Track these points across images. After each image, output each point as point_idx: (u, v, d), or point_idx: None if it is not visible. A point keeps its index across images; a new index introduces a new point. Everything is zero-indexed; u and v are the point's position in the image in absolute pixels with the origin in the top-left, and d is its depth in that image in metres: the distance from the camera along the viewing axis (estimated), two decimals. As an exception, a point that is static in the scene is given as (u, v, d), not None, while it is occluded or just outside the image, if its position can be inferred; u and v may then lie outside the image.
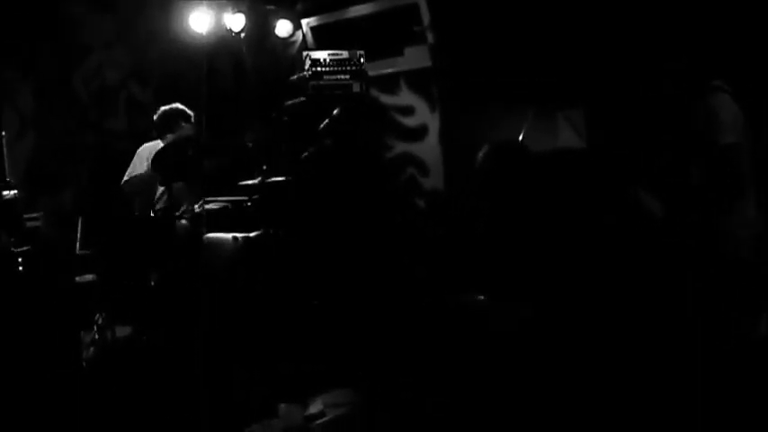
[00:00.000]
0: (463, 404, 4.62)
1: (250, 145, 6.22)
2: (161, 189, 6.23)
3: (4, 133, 5.83)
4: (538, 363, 4.59)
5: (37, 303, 5.39)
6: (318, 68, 7.02)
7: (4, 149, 5.78)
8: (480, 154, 5.18)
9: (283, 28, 8.11)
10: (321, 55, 7.06)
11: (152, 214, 6.18)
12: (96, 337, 5.82)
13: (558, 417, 4.35)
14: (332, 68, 7.05)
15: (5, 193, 5.65)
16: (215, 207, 6.19)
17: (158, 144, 6.25)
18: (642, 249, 4.76)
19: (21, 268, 5.41)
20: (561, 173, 5.43)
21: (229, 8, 7.81)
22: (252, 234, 5.94)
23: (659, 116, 4.93)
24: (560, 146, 6.31)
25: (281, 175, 6.23)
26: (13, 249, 5.47)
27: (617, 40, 5.90)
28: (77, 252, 6.33)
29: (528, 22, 6.49)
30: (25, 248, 5.55)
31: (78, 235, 6.41)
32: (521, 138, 5.81)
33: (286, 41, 8.37)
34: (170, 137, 6.34)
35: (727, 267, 4.24)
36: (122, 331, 5.95)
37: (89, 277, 6.08)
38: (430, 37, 7.37)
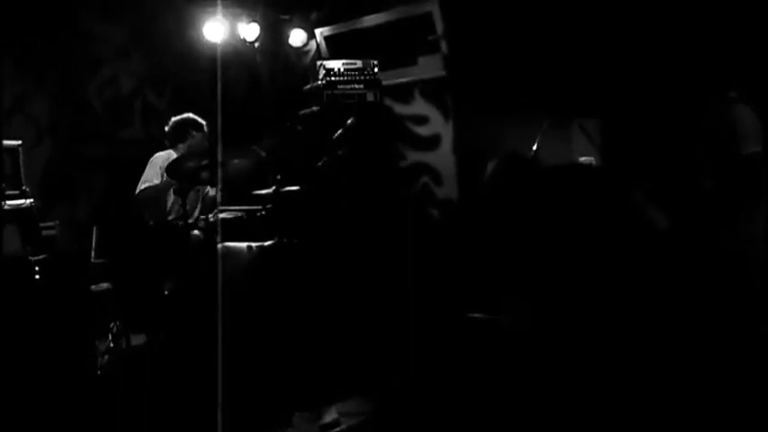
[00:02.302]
0: (475, 414, 4.62)
1: (264, 154, 6.21)
2: (173, 198, 6.25)
3: (20, 142, 5.85)
4: (544, 373, 4.60)
5: (53, 311, 5.42)
6: (332, 78, 7.02)
7: (21, 158, 5.81)
8: (489, 168, 5.19)
9: (297, 37, 8.15)
10: (335, 64, 7.07)
11: (166, 223, 6.21)
12: (111, 345, 5.83)
13: (567, 424, 4.36)
14: (346, 78, 7.05)
15: (22, 201, 5.67)
16: (229, 216, 6.20)
17: (171, 154, 6.28)
18: (648, 259, 4.76)
19: (37, 276, 5.44)
20: (568, 188, 5.42)
21: (244, 18, 7.86)
22: (266, 243, 5.94)
23: (674, 126, 4.94)
24: (567, 161, 6.29)
25: (295, 185, 6.23)
26: (29, 258, 5.50)
27: (632, 49, 5.90)
28: (92, 261, 6.35)
29: (542, 32, 6.49)
30: (42, 257, 5.58)
31: (93, 243, 6.42)
32: (535, 147, 5.81)
33: (300, 51, 8.41)
34: (182, 147, 6.37)
35: (749, 270, 4.26)
36: (137, 339, 5.96)
37: (104, 285, 6.10)
38: (444, 46, 7.37)
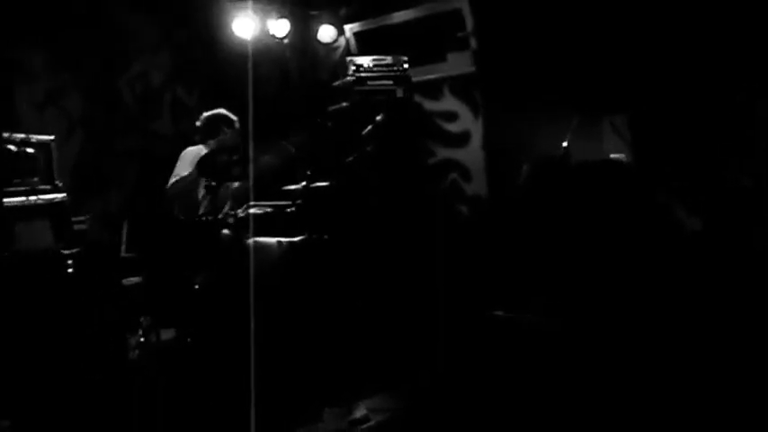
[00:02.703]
0: (502, 413, 4.61)
1: (293, 150, 6.23)
2: (203, 193, 6.27)
3: (54, 137, 5.89)
4: (572, 373, 4.58)
5: (86, 305, 5.46)
6: (362, 74, 7.02)
7: (54, 153, 5.85)
8: (523, 172, 5.17)
9: (327, 33, 8.16)
10: (365, 60, 7.07)
11: (196, 218, 6.23)
12: (141, 339, 5.87)
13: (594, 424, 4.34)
14: (375, 74, 7.05)
15: (54, 196, 5.71)
16: (258, 212, 6.21)
17: (201, 149, 6.29)
18: (679, 259, 4.72)
19: (70, 270, 5.49)
20: (601, 188, 5.38)
21: (273, 14, 7.88)
22: (296, 239, 5.95)
23: (709, 122, 4.89)
24: (600, 158, 6.25)
25: (324, 181, 6.24)
26: (62, 251, 5.55)
27: (665, 44, 5.86)
28: (123, 255, 6.38)
29: (572, 27, 6.46)
30: (74, 250, 5.62)
31: (123, 238, 6.46)
32: (565, 144, 5.78)
33: (329, 47, 8.41)
34: (212, 142, 6.39)
35: None
36: (166, 334, 6.00)
37: (134, 280, 6.14)
38: (473, 42, 7.37)
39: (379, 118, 6.57)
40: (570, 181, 5.13)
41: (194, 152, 6.26)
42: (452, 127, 7.68)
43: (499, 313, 5.38)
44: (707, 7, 5.60)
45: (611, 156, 6.23)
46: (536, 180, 5.09)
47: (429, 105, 7.78)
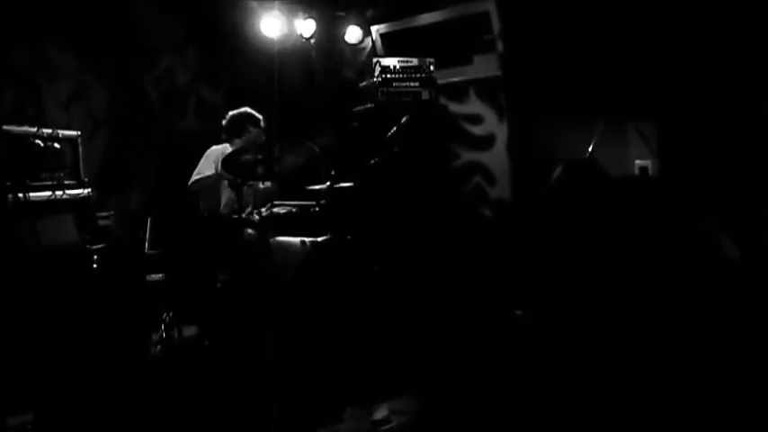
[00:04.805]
0: (524, 416, 4.59)
1: (318, 150, 6.24)
2: (227, 191, 6.28)
3: (80, 133, 5.92)
4: (590, 372, 4.56)
5: (111, 300, 5.49)
6: (388, 75, 7.02)
7: (80, 149, 5.88)
8: (555, 174, 5.14)
9: (353, 34, 8.17)
10: (391, 62, 7.07)
11: (220, 216, 6.25)
12: (163, 335, 5.89)
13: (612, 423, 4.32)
14: (401, 75, 7.04)
15: (80, 191, 5.74)
16: (282, 211, 6.22)
17: (227, 147, 6.31)
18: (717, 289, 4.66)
19: (95, 266, 5.52)
20: (633, 201, 5.34)
21: (300, 14, 7.89)
22: (319, 239, 5.95)
23: (740, 128, 4.84)
24: (634, 166, 6.21)
25: (349, 181, 6.24)
26: (87, 247, 5.58)
27: (695, 49, 5.81)
28: (146, 251, 6.40)
29: (599, 32, 6.42)
30: (100, 246, 5.65)
31: (147, 234, 6.48)
32: (590, 150, 5.75)
33: (355, 48, 8.41)
34: (238, 141, 6.40)
35: None
36: (188, 331, 6.02)
37: (157, 276, 6.15)
38: (500, 45, 7.34)
39: (404, 120, 6.56)
40: (602, 188, 5.09)
41: (219, 150, 6.28)
42: (477, 130, 7.65)
43: (519, 312, 5.37)
44: (727, 11, 5.56)
45: (637, 162, 6.20)
46: (568, 182, 5.06)
47: (454, 108, 7.76)
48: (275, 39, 7.71)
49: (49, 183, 5.51)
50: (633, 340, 4.60)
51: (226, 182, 6.19)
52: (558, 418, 4.46)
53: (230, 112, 6.56)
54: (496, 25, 7.28)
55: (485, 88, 7.59)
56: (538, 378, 4.79)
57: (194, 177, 6.26)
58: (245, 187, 6.09)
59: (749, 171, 4.59)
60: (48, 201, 5.44)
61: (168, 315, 5.91)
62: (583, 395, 4.50)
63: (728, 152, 5.33)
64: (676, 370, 4.42)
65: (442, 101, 7.60)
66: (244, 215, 6.02)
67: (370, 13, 8.24)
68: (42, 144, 5.50)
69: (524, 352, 5.04)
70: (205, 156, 6.36)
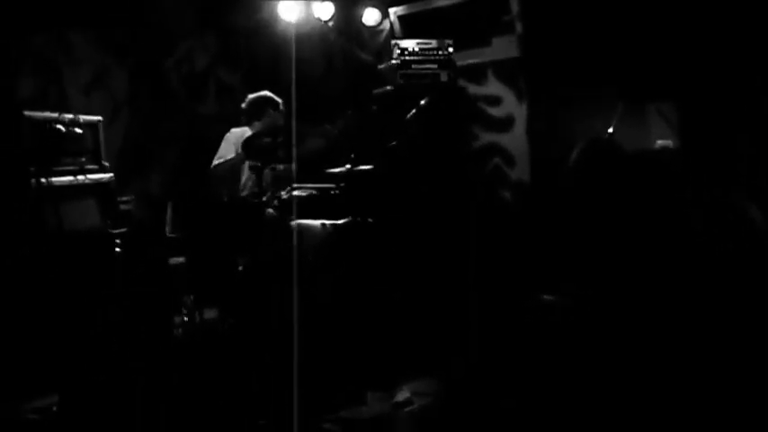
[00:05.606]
0: (542, 402, 4.58)
1: (337, 133, 6.25)
2: (247, 174, 6.31)
3: (101, 118, 5.96)
4: (610, 363, 4.54)
5: (134, 284, 5.54)
6: (407, 57, 7.02)
7: (101, 133, 5.92)
8: (574, 153, 5.10)
9: (371, 16, 8.13)
10: (409, 44, 7.06)
11: (240, 199, 6.28)
12: (185, 318, 5.93)
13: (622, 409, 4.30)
14: (420, 57, 7.04)
15: (101, 176, 5.78)
16: (302, 194, 6.24)
17: (246, 130, 6.34)
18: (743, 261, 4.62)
19: (118, 249, 5.56)
20: (655, 175, 5.31)
21: (318, -4, 7.88)
22: (340, 221, 5.97)
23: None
24: (655, 146, 6.18)
25: (368, 164, 6.24)
26: (110, 231, 5.62)
27: (715, 28, 5.77)
28: (167, 235, 6.45)
29: (618, 11, 6.38)
30: (122, 230, 5.70)
31: (168, 218, 6.52)
32: (610, 130, 5.73)
33: (374, 30, 8.38)
34: (257, 124, 6.42)
35: None
36: (210, 313, 6.06)
37: (178, 260, 6.20)
38: (518, 27, 7.29)
39: (423, 102, 6.55)
40: (622, 167, 5.05)
41: (239, 133, 6.31)
42: (496, 111, 7.63)
43: (533, 298, 5.35)
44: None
45: (658, 142, 6.16)
46: (587, 163, 5.02)
47: (473, 89, 7.73)
48: (293, 21, 7.70)
49: (71, 168, 5.56)
50: (655, 325, 4.58)
51: (246, 164, 6.21)
52: (570, 409, 4.46)
53: (249, 96, 6.58)
54: (515, 6, 7.24)
55: (504, 70, 7.54)
56: (553, 367, 4.78)
57: (216, 161, 6.29)
58: (266, 170, 6.11)
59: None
60: (70, 185, 5.49)
61: (189, 298, 5.95)
62: (598, 386, 4.48)
63: (750, 129, 5.29)
64: (702, 360, 4.40)
65: (461, 83, 7.55)
66: (264, 198, 6.04)
67: (387, -5, 8.22)
68: (64, 129, 5.53)
69: (540, 340, 5.03)
70: (225, 139, 6.39)
